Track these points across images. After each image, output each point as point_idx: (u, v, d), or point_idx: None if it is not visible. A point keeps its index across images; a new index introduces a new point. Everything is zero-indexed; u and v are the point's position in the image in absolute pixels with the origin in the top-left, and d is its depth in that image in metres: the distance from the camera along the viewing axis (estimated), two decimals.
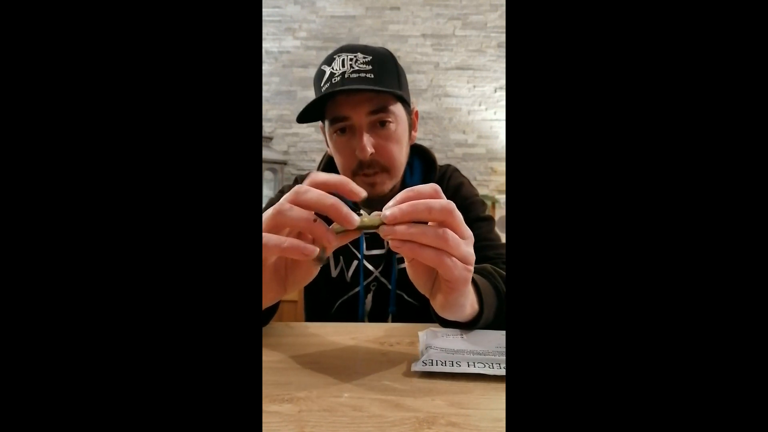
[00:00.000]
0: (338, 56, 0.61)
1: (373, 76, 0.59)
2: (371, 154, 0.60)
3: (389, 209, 0.33)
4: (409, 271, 0.39)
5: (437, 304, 0.39)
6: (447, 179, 0.74)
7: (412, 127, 0.68)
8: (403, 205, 0.33)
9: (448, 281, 0.35)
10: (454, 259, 0.34)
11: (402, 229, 0.33)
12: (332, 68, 0.60)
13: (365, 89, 0.58)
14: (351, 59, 0.60)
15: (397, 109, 0.63)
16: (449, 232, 0.33)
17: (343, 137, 0.62)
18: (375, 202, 0.69)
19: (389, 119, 0.61)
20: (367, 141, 0.59)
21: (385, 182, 0.63)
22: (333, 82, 0.59)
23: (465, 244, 0.35)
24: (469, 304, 0.41)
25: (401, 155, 0.64)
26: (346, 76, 0.59)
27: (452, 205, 0.34)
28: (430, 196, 0.34)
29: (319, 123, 0.69)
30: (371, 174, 0.62)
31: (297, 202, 0.33)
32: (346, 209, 0.32)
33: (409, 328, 0.49)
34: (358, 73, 0.59)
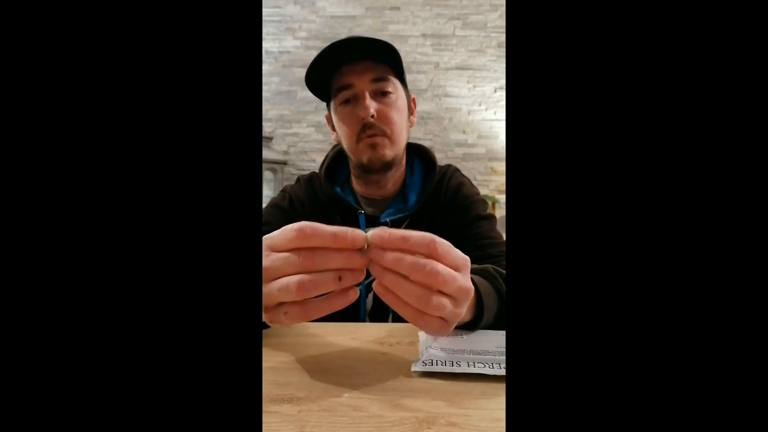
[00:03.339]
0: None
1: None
2: (372, 116, 0.64)
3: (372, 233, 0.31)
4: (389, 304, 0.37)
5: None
6: (447, 179, 0.74)
7: (410, 111, 0.73)
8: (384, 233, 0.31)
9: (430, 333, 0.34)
10: (430, 317, 0.32)
11: (391, 256, 0.31)
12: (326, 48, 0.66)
13: (362, 45, 0.62)
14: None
15: (397, 84, 0.68)
16: (439, 265, 0.31)
17: (348, 107, 0.67)
18: (374, 187, 0.71)
19: (389, 89, 0.67)
20: (370, 103, 0.65)
21: (386, 146, 0.67)
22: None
23: (461, 276, 0.33)
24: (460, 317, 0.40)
25: (402, 125, 0.69)
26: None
27: (433, 236, 0.31)
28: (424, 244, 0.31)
29: (324, 113, 0.74)
30: (372, 135, 0.66)
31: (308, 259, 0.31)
32: (351, 233, 0.31)
33: (409, 328, 0.49)
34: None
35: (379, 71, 0.65)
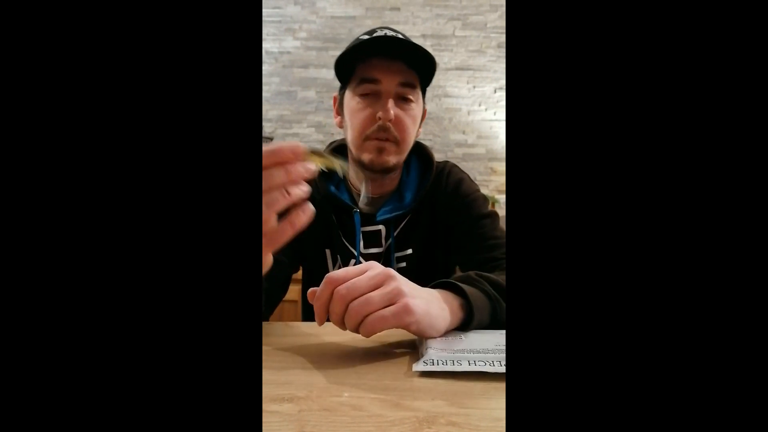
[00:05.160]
0: (381, 30, 0.65)
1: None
2: (390, 120, 0.63)
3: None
4: None
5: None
6: (446, 175, 0.73)
7: (420, 123, 0.72)
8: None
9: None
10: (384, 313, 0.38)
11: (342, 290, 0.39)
12: (374, 36, 0.65)
13: (405, 46, 0.62)
14: (394, 33, 0.65)
15: (419, 94, 0.68)
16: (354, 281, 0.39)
17: (365, 100, 0.65)
18: (376, 183, 0.70)
19: (411, 97, 0.65)
20: (392, 106, 0.63)
21: (392, 154, 0.66)
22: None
23: (377, 295, 0.39)
24: (441, 318, 0.42)
25: (412, 135, 0.68)
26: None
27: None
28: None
29: (334, 95, 0.73)
30: (383, 139, 0.65)
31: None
32: (286, 145, 0.33)
33: None
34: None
35: (408, 76, 0.64)
